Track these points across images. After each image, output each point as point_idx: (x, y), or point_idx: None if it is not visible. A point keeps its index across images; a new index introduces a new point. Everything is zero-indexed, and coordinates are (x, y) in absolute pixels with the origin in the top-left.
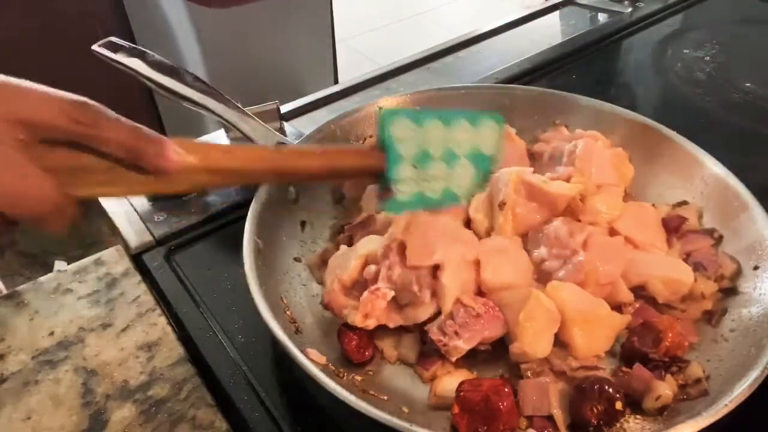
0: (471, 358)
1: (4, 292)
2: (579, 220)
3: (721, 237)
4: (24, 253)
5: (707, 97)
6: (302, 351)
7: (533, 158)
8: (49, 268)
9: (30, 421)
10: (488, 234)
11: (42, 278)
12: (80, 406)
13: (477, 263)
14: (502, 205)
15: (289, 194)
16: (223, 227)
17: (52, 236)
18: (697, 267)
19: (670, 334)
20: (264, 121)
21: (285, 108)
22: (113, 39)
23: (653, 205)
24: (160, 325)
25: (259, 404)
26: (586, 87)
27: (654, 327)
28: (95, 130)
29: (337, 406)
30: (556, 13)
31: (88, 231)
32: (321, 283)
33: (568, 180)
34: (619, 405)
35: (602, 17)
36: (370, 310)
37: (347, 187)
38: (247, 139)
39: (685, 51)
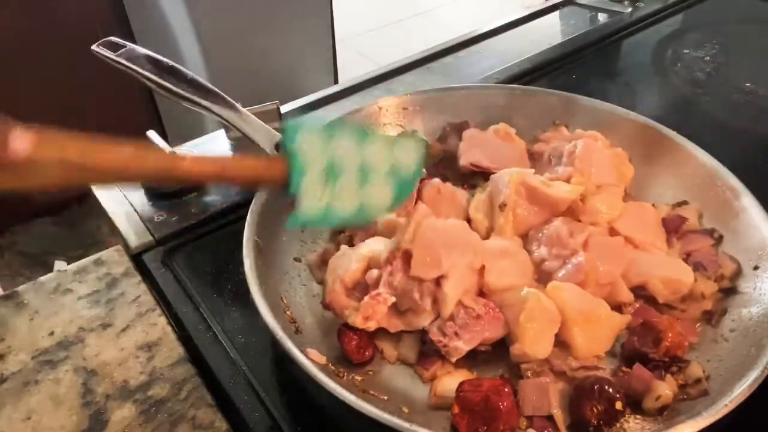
0: (471, 359)
1: (1, 292)
2: (579, 221)
3: (721, 237)
4: (24, 253)
5: (707, 97)
6: (302, 351)
7: (533, 158)
8: (49, 268)
9: (30, 421)
10: (488, 234)
11: (42, 278)
12: (80, 406)
13: (482, 267)
14: (503, 206)
15: (289, 194)
16: (223, 227)
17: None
18: (697, 267)
19: (670, 334)
20: (264, 121)
21: (285, 108)
22: (113, 39)
23: (653, 205)
24: (160, 325)
25: (259, 404)
26: (586, 87)
27: (654, 327)
28: None
29: (337, 406)
30: (556, 13)
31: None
32: (321, 283)
33: (568, 180)
34: (619, 405)
35: (602, 17)
36: (371, 315)
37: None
38: (247, 139)
39: (685, 51)
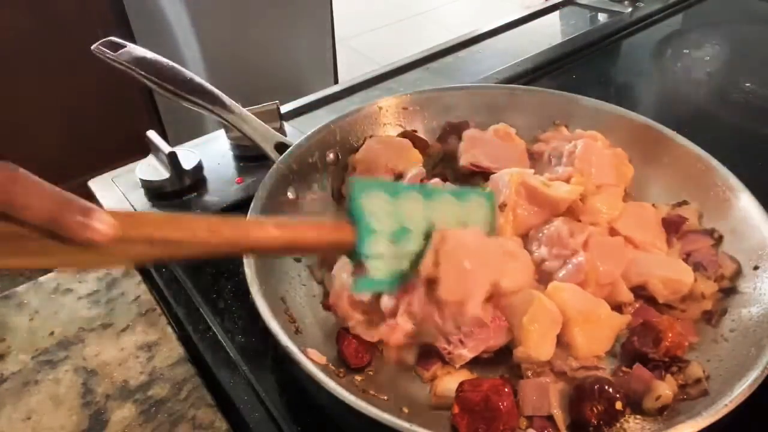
0: (471, 360)
1: None
2: (579, 221)
3: (721, 237)
4: None
5: (707, 97)
6: (302, 351)
7: (533, 158)
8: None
9: (30, 421)
10: (488, 234)
11: (42, 278)
12: (80, 406)
13: None
14: (503, 206)
15: (289, 194)
16: None
17: None
18: (697, 267)
19: (670, 334)
20: (264, 121)
21: (285, 108)
22: (113, 39)
23: (653, 205)
24: (160, 325)
25: (259, 404)
26: (586, 87)
27: (654, 327)
28: (16, 197)
29: (337, 406)
30: (556, 13)
31: None
32: (321, 283)
33: (567, 180)
34: (619, 405)
35: (602, 17)
36: (386, 341)
37: (347, 187)
38: (248, 139)
39: (685, 51)
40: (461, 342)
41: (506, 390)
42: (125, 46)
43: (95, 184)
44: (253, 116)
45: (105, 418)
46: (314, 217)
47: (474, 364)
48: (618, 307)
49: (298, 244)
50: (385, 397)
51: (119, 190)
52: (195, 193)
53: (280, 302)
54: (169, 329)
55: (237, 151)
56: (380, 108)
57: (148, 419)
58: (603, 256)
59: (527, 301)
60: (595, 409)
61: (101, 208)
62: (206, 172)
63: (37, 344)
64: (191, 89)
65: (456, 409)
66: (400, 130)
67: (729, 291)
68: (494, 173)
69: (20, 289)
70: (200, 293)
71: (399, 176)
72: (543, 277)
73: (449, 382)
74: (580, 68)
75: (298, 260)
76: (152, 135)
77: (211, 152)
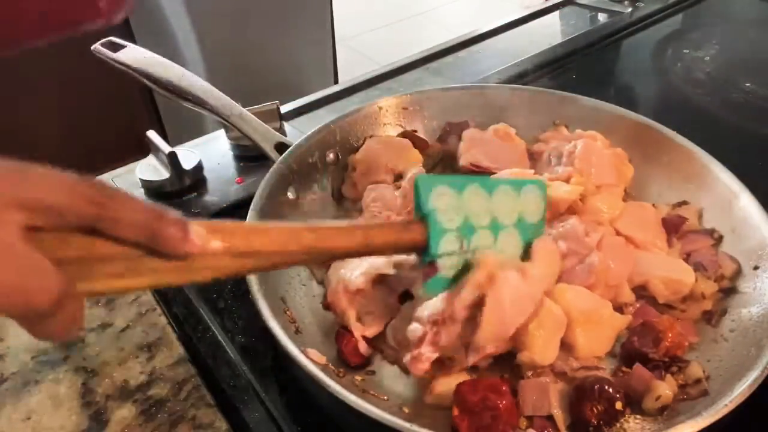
0: None
1: None
2: None
3: (721, 237)
4: None
5: (707, 97)
6: (302, 351)
7: (533, 158)
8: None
9: (30, 421)
10: None
11: None
12: (80, 406)
13: None
14: None
15: (289, 194)
16: None
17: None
18: (697, 267)
19: (670, 334)
20: (264, 121)
21: (285, 108)
22: (113, 39)
23: (653, 205)
24: (160, 325)
25: (259, 404)
26: (586, 87)
27: (654, 327)
28: (110, 211)
29: (337, 406)
30: (556, 13)
31: None
32: (321, 283)
33: (567, 180)
34: (619, 405)
35: (602, 17)
36: (411, 370)
37: (347, 188)
38: (248, 138)
39: (685, 51)
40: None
41: (504, 389)
42: (125, 46)
43: None
44: (253, 116)
45: (105, 418)
46: (384, 220)
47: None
48: (619, 308)
49: (370, 248)
50: (386, 397)
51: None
52: (195, 193)
53: (280, 302)
54: (169, 329)
55: (237, 151)
56: (380, 108)
57: (148, 419)
58: (614, 256)
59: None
60: (595, 409)
61: (191, 219)
62: (206, 172)
63: (37, 344)
64: (191, 89)
65: (456, 411)
66: (400, 130)
67: (729, 291)
68: (494, 173)
69: None
70: (200, 293)
71: (399, 176)
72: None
73: (447, 382)
74: (580, 68)
75: None
76: (152, 135)
77: (211, 152)
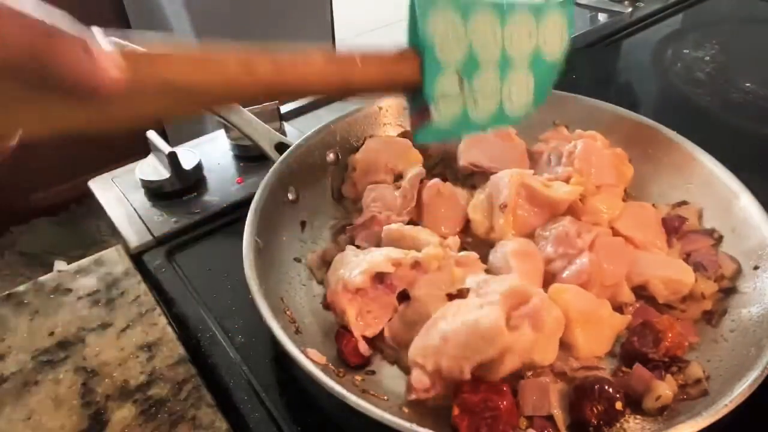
0: None
1: None
2: (580, 221)
3: (721, 237)
4: (24, 253)
5: (707, 97)
6: (302, 351)
7: (533, 158)
8: (49, 268)
9: (30, 421)
10: (488, 234)
11: (42, 278)
12: (80, 406)
13: None
14: (503, 207)
15: (289, 194)
16: (223, 227)
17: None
18: (697, 267)
19: (670, 334)
20: (264, 121)
21: (285, 108)
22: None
23: (653, 205)
24: (160, 325)
25: (259, 404)
26: (586, 87)
27: (654, 327)
28: None
29: (337, 406)
30: None
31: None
32: (321, 283)
33: (567, 180)
34: (619, 405)
35: (602, 17)
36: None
37: (347, 188)
38: (248, 138)
39: (685, 51)
40: None
41: (505, 389)
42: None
43: (95, 184)
44: (253, 116)
45: (105, 418)
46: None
47: None
48: (618, 308)
49: (355, 83)
50: (386, 397)
51: (119, 190)
52: (195, 193)
53: (280, 302)
54: (169, 329)
55: (237, 151)
56: (380, 108)
57: (148, 419)
58: (608, 256)
59: None
60: (595, 409)
61: (105, 45)
62: (206, 172)
63: (37, 344)
64: None
65: (456, 411)
66: (400, 130)
67: (729, 291)
68: (494, 173)
69: (20, 289)
70: (200, 293)
71: (399, 176)
72: (548, 278)
73: None
74: (580, 68)
75: (298, 260)
76: (152, 135)
77: (211, 152)
